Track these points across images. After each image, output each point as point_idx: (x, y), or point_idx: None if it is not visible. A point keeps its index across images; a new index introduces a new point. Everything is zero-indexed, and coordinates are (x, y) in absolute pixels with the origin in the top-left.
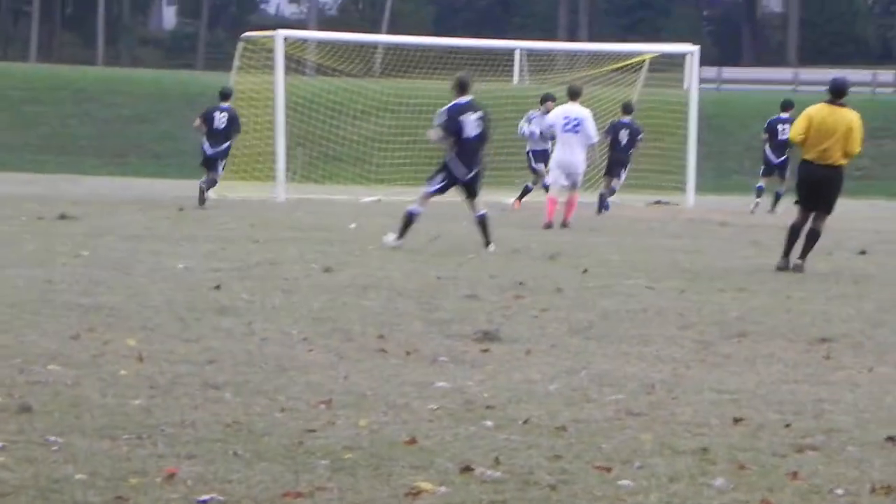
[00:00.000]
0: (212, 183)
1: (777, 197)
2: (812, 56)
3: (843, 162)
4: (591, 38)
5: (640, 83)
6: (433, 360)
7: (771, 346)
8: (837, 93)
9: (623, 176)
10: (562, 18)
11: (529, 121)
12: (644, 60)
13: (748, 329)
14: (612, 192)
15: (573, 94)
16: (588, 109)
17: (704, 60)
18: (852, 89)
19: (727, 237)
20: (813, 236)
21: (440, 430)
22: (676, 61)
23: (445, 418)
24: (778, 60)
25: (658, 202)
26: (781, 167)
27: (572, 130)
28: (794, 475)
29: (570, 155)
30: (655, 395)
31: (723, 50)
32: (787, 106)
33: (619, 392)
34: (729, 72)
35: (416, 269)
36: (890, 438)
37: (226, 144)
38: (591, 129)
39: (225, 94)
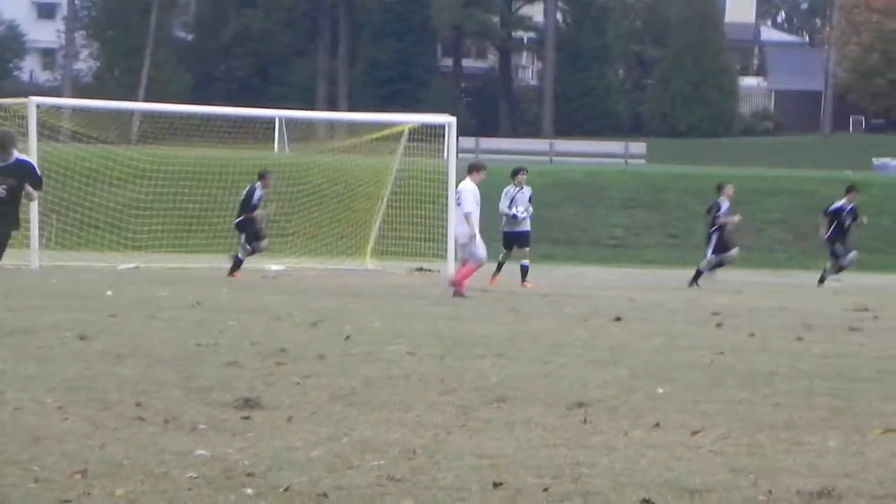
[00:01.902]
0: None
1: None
2: (567, 128)
3: None
4: (351, 108)
5: (399, 152)
6: (192, 428)
7: (530, 410)
8: None
9: (708, 252)
10: (321, 89)
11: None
12: (403, 130)
13: (507, 394)
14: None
15: (468, 170)
16: (473, 183)
17: (462, 131)
18: (606, 160)
19: (487, 304)
20: None
21: (199, 499)
22: (435, 131)
23: (205, 487)
24: (534, 132)
25: (420, 269)
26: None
27: (456, 203)
28: None
29: (456, 226)
30: (417, 461)
31: (480, 121)
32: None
33: (380, 458)
34: (486, 142)
35: (176, 337)
36: (645, 501)
37: (238, 219)
38: (463, 200)
39: (258, 174)
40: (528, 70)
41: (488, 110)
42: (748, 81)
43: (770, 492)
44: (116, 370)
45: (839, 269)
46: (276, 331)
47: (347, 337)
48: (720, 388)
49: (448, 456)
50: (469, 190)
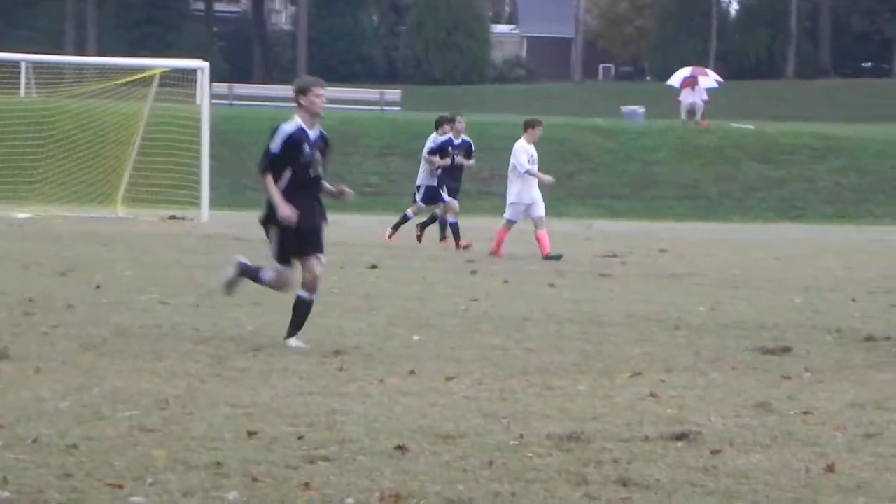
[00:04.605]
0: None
1: None
2: (322, 74)
3: None
4: (100, 53)
5: (150, 98)
6: None
7: (286, 359)
8: None
9: None
10: (69, 32)
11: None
12: (154, 75)
13: (263, 343)
14: None
15: (523, 126)
16: (526, 142)
17: (216, 77)
18: (362, 107)
19: (242, 252)
20: None
21: None
22: (189, 77)
23: None
24: (289, 77)
25: (173, 217)
26: None
27: (512, 166)
28: (307, 486)
29: (516, 189)
30: (169, 411)
31: (234, 66)
32: None
33: (132, 408)
34: (240, 88)
35: None
36: (399, 447)
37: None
38: (518, 162)
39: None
40: (281, 14)
41: (242, 55)
42: (500, 28)
43: (521, 436)
44: None
45: None
46: (23, 280)
47: (98, 286)
48: (475, 334)
49: (202, 406)
50: (522, 150)
